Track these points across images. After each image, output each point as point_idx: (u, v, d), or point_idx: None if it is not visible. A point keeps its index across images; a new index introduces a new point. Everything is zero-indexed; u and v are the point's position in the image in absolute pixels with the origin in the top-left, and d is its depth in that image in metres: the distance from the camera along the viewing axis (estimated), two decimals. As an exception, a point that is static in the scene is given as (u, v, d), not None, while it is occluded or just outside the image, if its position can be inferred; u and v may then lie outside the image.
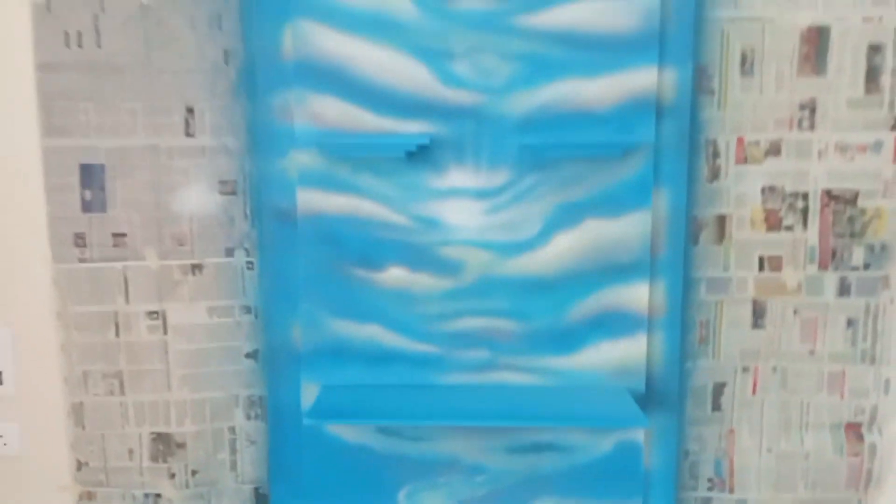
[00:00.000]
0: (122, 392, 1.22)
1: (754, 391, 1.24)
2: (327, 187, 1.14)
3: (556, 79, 1.10)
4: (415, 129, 1.12)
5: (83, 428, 1.23)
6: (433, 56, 1.10)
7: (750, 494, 1.26)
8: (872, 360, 1.22)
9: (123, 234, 1.19)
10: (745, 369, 1.23)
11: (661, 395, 1.20)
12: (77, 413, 1.22)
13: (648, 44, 1.10)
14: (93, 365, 1.21)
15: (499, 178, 1.13)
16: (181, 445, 1.23)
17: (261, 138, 1.16)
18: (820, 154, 1.18)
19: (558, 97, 1.11)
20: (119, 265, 1.19)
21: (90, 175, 1.17)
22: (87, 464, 1.24)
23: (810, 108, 1.17)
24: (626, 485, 1.21)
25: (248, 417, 1.24)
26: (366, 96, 1.12)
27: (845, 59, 1.15)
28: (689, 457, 1.24)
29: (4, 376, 1.22)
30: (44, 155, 1.17)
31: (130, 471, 1.24)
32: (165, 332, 1.21)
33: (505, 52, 1.10)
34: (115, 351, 1.21)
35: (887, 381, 1.22)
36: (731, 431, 1.25)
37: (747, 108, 1.16)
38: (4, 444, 1.24)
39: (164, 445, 1.23)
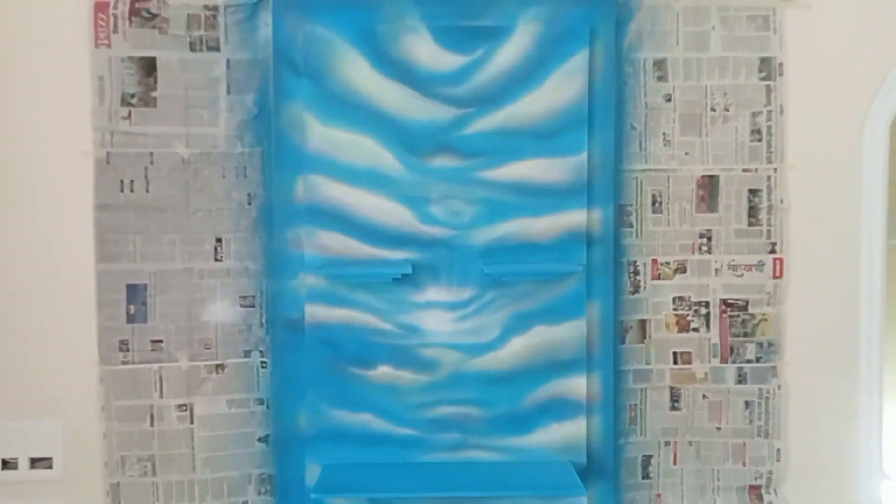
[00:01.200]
0: (154, 473, 1.47)
1: (675, 461, 1.55)
2: (329, 302, 1.44)
3: (509, 218, 1.44)
4: (400, 256, 1.44)
5: (119, 505, 1.47)
6: (414, 201, 1.44)
7: (676, 548, 1.55)
8: (767, 434, 1.54)
9: (160, 341, 1.47)
10: (666, 443, 1.54)
11: (600, 467, 1.50)
12: (114, 493, 1.47)
13: (579, 191, 1.45)
14: (130, 451, 1.47)
15: (465, 294, 1.45)
16: (203, 518, 1.48)
17: (276, 263, 1.46)
18: (717, 272, 1.53)
19: (511, 232, 1.45)
20: (155, 366, 1.47)
21: (135, 293, 1.46)
22: (120, 536, 1.47)
23: (707, 236, 1.53)
24: (573, 543, 1.48)
25: (259, 493, 1.50)
26: (361, 231, 1.44)
27: (731, 200, 1.52)
28: (624, 518, 1.54)
29: (54, 462, 1.47)
30: (97, 277, 1.45)
31: (158, 541, 1.48)
32: (192, 422, 1.47)
33: (469, 198, 1.44)
34: (149, 438, 1.47)
35: (779, 451, 1.54)
36: (658, 495, 1.55)
37: (659, 237, 1.52)
38: (50, 521, 1.47)
39: (189, 518, 1.48)
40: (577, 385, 1.47)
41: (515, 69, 1.43)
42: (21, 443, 1.47)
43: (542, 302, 1.46)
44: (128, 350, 1.47)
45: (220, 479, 1.48)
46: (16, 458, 1.47)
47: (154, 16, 1.44)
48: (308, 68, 1.42)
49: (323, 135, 1.43)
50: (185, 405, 1.47)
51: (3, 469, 1.47)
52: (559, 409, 1.47)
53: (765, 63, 1.50)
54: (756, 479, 1.55)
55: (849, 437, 1.56)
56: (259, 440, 1.49)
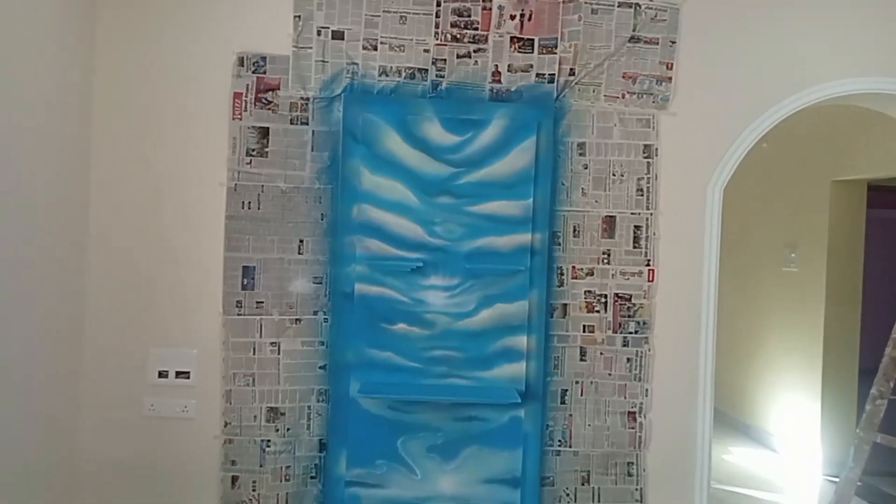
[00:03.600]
0: (254, 385, 2.40)
1: (582, 394, 2.50)
2: (370, 282, 2.39)
3: (483, 236, 2.40)
4: (414, 256, 2.39)
5: (230, 403, 2.40)
6: (425, 223, 2.39)
7: (580, 449, 2.49)
8: (640, 380, 2.50)
9: (262, 302, 2.40)
10: (576, 382, 2.49)
11: (533, 394, 2.44)
12: (227, 395, 2.40)
13: (527, 221, 2.40)
14: (238, 369, 2.40)
15: (454, 281, 2.40)
16: (282, 414, 2.41)
17: (337, 257, 2.40)
18: (612, 276, 2.48)
19: (484, 244, 2.40)
20: (258, 318, 2.40)
21: (248, 272, 2.40)
22: (229, 423, 2.40)
23: (608, 253, 2.48)
24: (514, 441, 2.43)
25: (319, 401, 2.43)
26: (391, 240, 2.39)
27: (623, 232, 2.48)
28: (548, 427, 2.48)
29: (191, 375, 2.39)
30: (224, 260, 2.39)
31: (253, 427, 2.41)
32: (279, 354, 2.41)
33: (459, 223, 2.39)
34: (251, 363, 2.40)
35: (647, 390, 2.49)
36: (570, 415, 2.49)
37: (577, 253, 2.47)
38: (187, 410, 2.40)
39: (273, 414, 2.41)
40: (521, 341, 2.42)
41: (490, 146, 2.39)
42: (171, 361, 2.41)
43: (501, 288, 2.41)
44: (241, 307, 2.40)
45: (295, 390, 2.42)
46: (167, 371, 2.40)
47: (269, 102, 2.39)
48: (363, 139, 2.37)
49: (370, 180, 2.38)
50: (275, 343, 2.41)
51: (158, 377, 2.40)
52: (509, 355, 2.42)
53: (646, 147, 2.48)
54: (632, 408, 2.50)
55: (690, 383, 2.51)
56: (320, 367, 2.43)
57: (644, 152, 2.48)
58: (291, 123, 2.41)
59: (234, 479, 2.41)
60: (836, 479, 3.17)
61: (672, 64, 2.48)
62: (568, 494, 2.49)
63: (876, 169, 3.62)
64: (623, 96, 2.48)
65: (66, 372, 2.32)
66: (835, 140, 3.87)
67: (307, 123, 2.41)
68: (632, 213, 2.49)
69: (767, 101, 2.52)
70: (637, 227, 2.50)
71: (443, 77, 2.43)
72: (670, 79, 2.49)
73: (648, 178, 2.49)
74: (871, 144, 3.60)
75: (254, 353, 2.41)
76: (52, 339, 2.22)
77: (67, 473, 2.34)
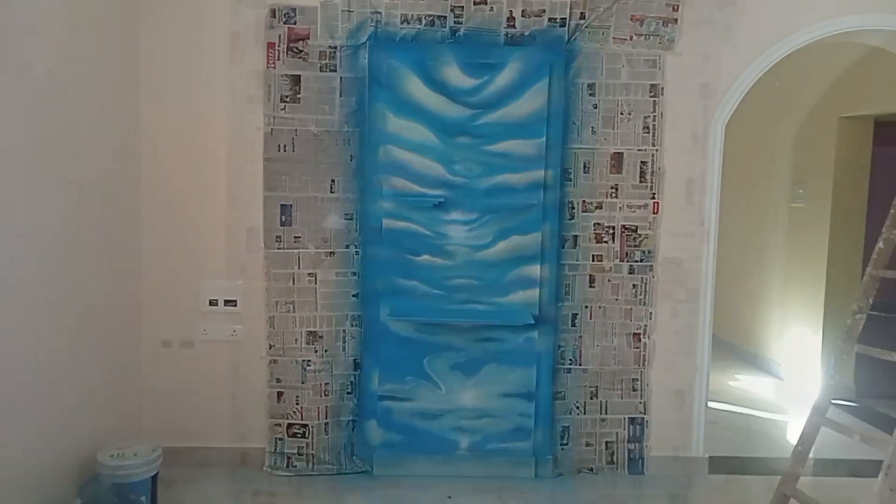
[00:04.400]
0: (294, 311, 2.69)
1: (590, 317, 2.76)
2: (396, 218, 2.64)
3: (499, 174, 2.63)
4: (437, 192, 2.62)
5: (273, 328, 2.70)
6: (446, 162, 2.61)
7: (589, 367, 2.77)
8: (644, 304, 2.74)
9: (299, 237, 2.67)
10: (586, 307, 2.75)
11: (546, 318, 2.71)
12: (271, 321, 2.69)
13: (540, 159, 2.61)
14: (280, 297, 2.69)
15: (473, 216, 2.64)
16: (321, 337, 2.70)
17: (366, 194, 2.65)
18: (620, 209, 2.70)
19: (500, 181, 2.63)
20: (296, 251, 2.67)
21: (286, 209, 2.65)
22: (274, 345, 2.71)
23: (615, 188, 2.69)
24: (528, 359, 2.70)
25: (353, 325, 2.71)
26: (415, 178, 2.62)
27: (630, 167, 2.68)
28: (560, 348, 2.75)
29: (238, 303, 2.68)
30: (264, 200, 2.65)
31: (295, 349, 2.71)
32: (316, 283, 2.68)
33: (478, 161, 2.62)
34: (291, 291, 2.69)
35: (651, 314, 2.74)
36: (580, 336, 2.76)
37: (587, 188, 2.69)
38: (236, 335, 2.70)
39: (312, 337, 2.70)
40: (535, 270, 2.67)
41: (506, 88, 2.59)
42: (220, 291, 2.71)
43: (517, 222, 2.65)
44: (280, 241, 2.67)
45: (331, 316, 2.70)
46: (217, 299, 2.70)
47: (300, 51, 2.59)
48: (387, 83, 2.58)
49: (395, 122, 2.59)
50: (312, 273, 2.69)
51: (209, 305, 2.70)
52: (524, 283, 2.68)
53: (653, 87, 2.66)
54: (637, 329, 2.76)
55: (693, 306, 2.75)
56: (353, 295, 2.71)
57: (650, 92, 2.66)
58: (321, 71, 2.61)
59: (280, 395, 2.72)
60: (836, 402, 3.45)
61: (678, 6, 2.63)
62: (578, 407, 2.78)
63: (882, 105, 3.73)
64: (631, 38, 2.65)
65: (128, 302, 2.62)
66: (842, 76, 3.97)
67: (335, 70, 2.62)
68: (638, 150, 2.69)
69: (770, 40, 2.68)
70: (643, 163, 2.70)
71: (461, 23, 2.61)
72: (676, 20, 2.64)
73: (654, 117, 2.67)
74: (878, 81, 3.70)
75: (293, 283, 2.69)
76: (113, 272, 2.52)
77: (134, 392, 2.68)
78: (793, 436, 3.33)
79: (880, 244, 2.24)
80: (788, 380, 4.31)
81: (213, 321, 2.72)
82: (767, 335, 4.66)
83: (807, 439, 2.27)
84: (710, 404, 2.97)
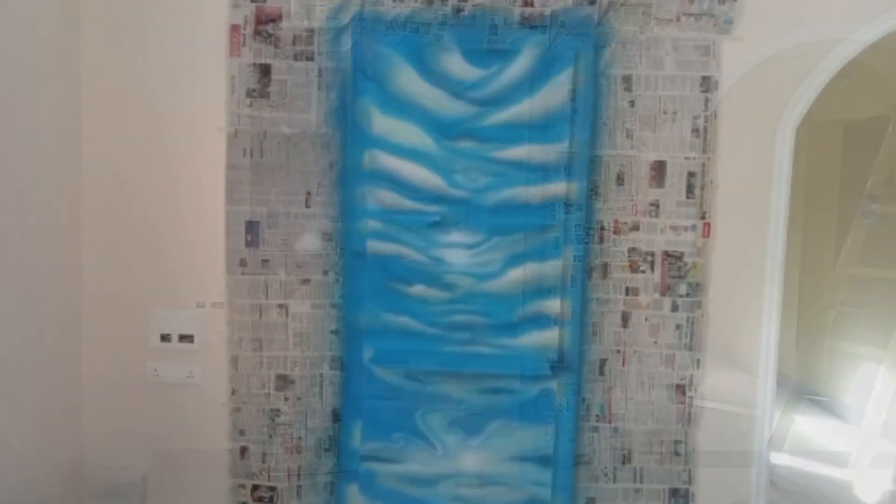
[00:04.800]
0: (261, 350, 2.24)
1: (623, 364, 2.25)
2: (384, 239, 2.17)
3: (510, 186, 2.14)
4: (433, 209, 2.15)
5: (237, 370, 2.26)
6: (444, 171, 2.14)
7: (620, 425, 2.26)
8: (690, 349, 2.23)
9: (268, 260, 2.22)
10: (617, 351, 2.24)
11: (568, 365, 2.21)
12: (234, 361, 2.25)
13: (561, 169, 2.12)
14: (244, 333, 2.24)
15: (478, 238, 2.16)
16: (292, 382, 2.25)
17: (347, 211, 2.19)
18: (661, 231, 2.19)
19: (511, 196, 2.14)
20: (263, 277, 2.22)
21: (251, 227, 2.21)
22: (237, 390, 2.26)
23: (656, 205, 2.18)
24: (545, 415, 2.21)
25: (331, 368, 2.26)
26: (407, 191, 2.15)
27: (675, 179, 2.17)
28: (584, 402, 2.25)
29: (195, 339, 2.25)
30: (226, 215, 2.20)
31: (262, 395, 2.26)
32: (287, 317, 2.23)
33: (483, 171, 2.13)
34: (258, 326, 2.24)
35: (698, 361, 2.23)
36: (610, 388, 2.25)
37: (620, 204, 2.18)
38: (192, 378, 2.27)
39: (283, 381, 2.25)
40: (554, 306, 2.18)
41: (519, 81, 2.10)
42: (174, 324, 2.27)
43: (531, 246, 2.16)
44: (245, 266, 2.23)
45: (305, 357, 2.25)
46: (170, 334, 2.27)
47: (270, 35, 2.15)
48: (374, 75, 2.12)
49: (383, 122, 2.13)
50: (283, 305, 2.23)
51: (160, 341, 2.27)
52: (540, 321, 2.19)
53: (704, 80, 2.14)
54: (681, 380, 2.24)
55: (750, 355, 2.22)
56: (332, 332, 2.25)
57: (702, 86, 2.14)
58: (295, 59, 2.16)
59: (243, 450, 2.27)
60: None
61: (738, -21, 2.12)
62: (606, 474, 2.27)
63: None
64: (678, 19, 2.13)
65: (66, 334, 2.21)
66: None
67: (312, 59, 2.16)
68: (685, 158, 2.17)
69: (852, 25, 2.13)
70: (691, 175, 2.18)
71: (465, 1, 2.14)
72: (735, -3, 2.13)
73: (706, 117, 2.16)
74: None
75: (260, 316, 2.24)
76: (48, 301, 2.11)
77: (73, 441, 2.27)
78: (870, 500, 2.80)
79: None
80: (858, 425, 3.75)
81: (165, 360, 2.29)
82: (831, 370, 4.09)
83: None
84: (770, 468, 2.45)
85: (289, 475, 2.27)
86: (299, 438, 2.27)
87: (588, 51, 2.11)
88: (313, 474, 2.27)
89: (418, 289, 2.19)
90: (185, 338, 2.28)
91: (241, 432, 2.27)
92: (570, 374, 2.22)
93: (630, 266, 2.22)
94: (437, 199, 2.15)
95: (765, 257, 2.20)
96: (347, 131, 2.17)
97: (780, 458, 3.20)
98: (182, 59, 2.21)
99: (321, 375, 2.26)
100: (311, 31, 2.15)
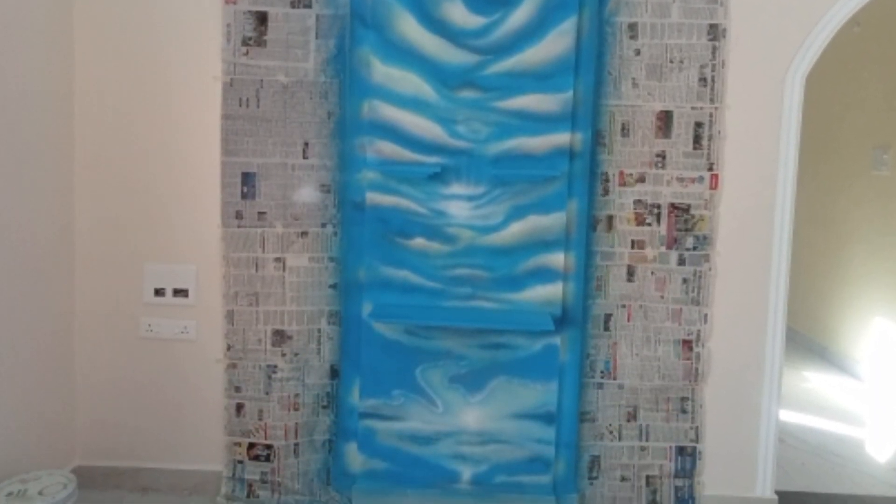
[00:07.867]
0: (257, 304, 2.29)
1: (629, 319, 2.29)
2: (383, 191, 2.21)
3: (513, 137, 2.18)
4: (433, 160, 2.19)
5: (232, 325, 2.31)
6: (445, 121, 2.18)
7: (626, 381, 2.30)
8: (697, 303, 2.27)
9: (264, 213, 2.26)
10: (622, 306, 2.28)
11: (571, 319, 2.26)
12: (230, 316, 2.30)
13: (566, 118, 2.16)
14: (240, 288, 2.29)
15: (479, 190, 2.20)
16: (290, 337, 2.30)
17: (346, 162, 2.23)
18: (667, 182, 2.23)
19: (514, 147, 2.18)
20: (260, 230, 2.27)
21: (247, 178, 2.25)
22: (233, 346, 2.31)
23: (662, 156, 2.22)
24: (548, 372, 2.25)
25: (329, 323, 2.30)
26: (407, 141, 2.19)
27: (681, 130, 2.21)
28: (589, 357, 2.29)
29: (189, 293, 2.30)
30: (222, 166, 2.25)
31: (258, 351, 2.31)
32: (284, 271, 2.28)
33: (485, 121, 2.17)
34: (254, 280, 2.28)
35: (706, 315, 2.27)
36: (615, 343, 2.29)
37: (625, 155, 2.22)
38: (187, 333, 2.31)
39: (280, 337, 2.30)
40: (557, 259, 2.22)
41: (523, 28, 2.15)
42: (168, 278, 2.32)
43: (535, 198, 2.21)
44: (241, 218, 2.27)
45: (302, 311, 2.29)
46: (164, 288, 2.31)
47: (267, -19, 2.18)
48: (373, 22, 2.16)
49: (382, 71, 2.17)
50: (280, 258, 2.28)
51: (154, 295, 2.31)
52: (543, 275, 2.23)
53: (712, 28, 2.18)
54: (688, 335, 2.29)
55: (758, 309, 2.26)
56: (330, 286, 2.29)
57: (709, 34, 2.18)
58: (292, 6, 2.20)
59: (239, 407, 2.32)
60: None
61: (747, -77, 2.15)
62: (611, 432, 2.32)
63: None
64: (685, -36, 2.17)
65: (59, 291, 2.26)
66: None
67: (310, 6, 2.20)
68: (692, 108, 2.21)
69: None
70: (698, 125, 2.22)
71: (466, -54, 2.17)
72: (744, -58, 2.16)
73: (714, 66, 2.19)
74: None
75: (257, 270, 2.29)
76: (41, 256, 2.15)
77: (65, 397, 2.31)
78: (882, 458, 2.83)
79: None
80: (870, 382, 3.77)
81: (159, 315, 2.33)
82: (843, 326, 4.11)
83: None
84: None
85: (286, 433, 2.32)
86: (297, 395, 2.32)
87: (592, -3, 2.15)
88: (311, 432, 2.32)
89: (418, 242, 2.23)
90: (180, 292, 2.32)
91: (237, 389, 2.32)
92: (574, 329, 2.26)
93: (636, 218, 2.26)
94: (438, 149, 2.20)
95: (774, 210, 2.24)
96: (346, 80, 2.21)
97: (789, 416, 3.24)
98: (177, 5, 2.25)
99: (319, 331, 2.31)
100: (308, -24, 2.19)
